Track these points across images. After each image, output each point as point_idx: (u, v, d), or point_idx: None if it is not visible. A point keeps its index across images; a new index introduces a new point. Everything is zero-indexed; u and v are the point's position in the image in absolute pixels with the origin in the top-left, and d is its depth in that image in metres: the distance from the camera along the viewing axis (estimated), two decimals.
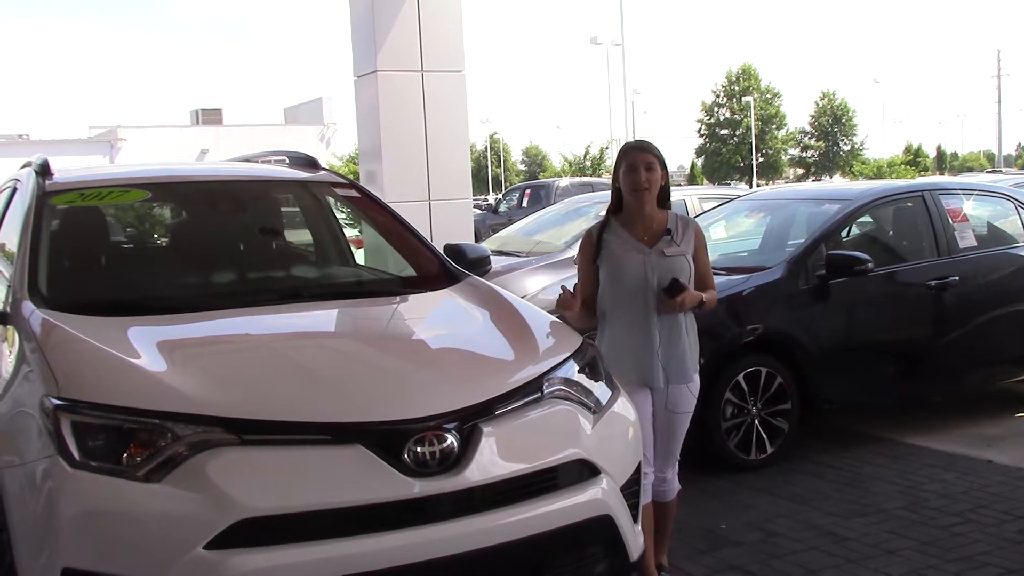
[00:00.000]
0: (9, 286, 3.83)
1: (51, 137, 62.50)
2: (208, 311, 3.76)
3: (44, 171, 4.38)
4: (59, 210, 4.32)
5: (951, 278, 6.39)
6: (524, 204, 24.85)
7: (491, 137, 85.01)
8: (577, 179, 29.95)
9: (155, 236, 5.60)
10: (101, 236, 4.72)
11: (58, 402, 2.91)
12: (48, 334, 3.34)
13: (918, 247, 6.63)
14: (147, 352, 3.21)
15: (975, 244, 6.66)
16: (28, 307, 3.55)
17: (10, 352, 3.49)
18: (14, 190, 4.73)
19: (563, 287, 3.95)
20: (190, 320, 3.67)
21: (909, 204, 6.76)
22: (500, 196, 32.87)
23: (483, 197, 46.80)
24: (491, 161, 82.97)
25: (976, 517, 4.86)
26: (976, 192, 7.18)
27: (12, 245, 4.15)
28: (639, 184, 3.86)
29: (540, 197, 24.42)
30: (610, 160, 63.12)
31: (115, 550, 2.73)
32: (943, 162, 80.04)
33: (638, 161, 3.87)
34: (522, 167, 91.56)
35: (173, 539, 2.71)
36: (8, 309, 3.67)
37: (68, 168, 4.81)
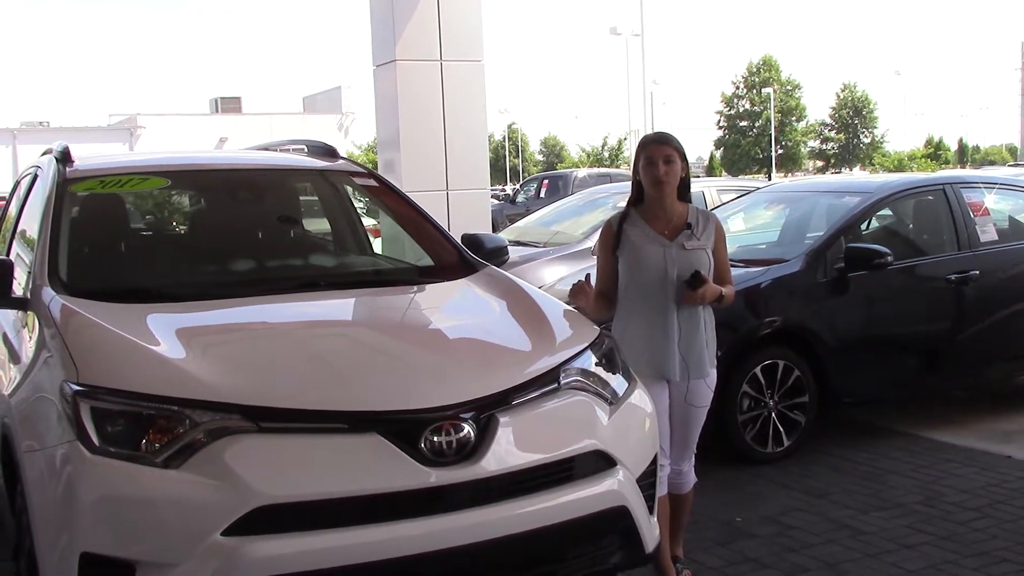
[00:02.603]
0: (29, 272, 3.86)
1: (71, 124, 62.82)
2: (227, 299, 3.77)
3: (64, 158, 4.40)
4: (79, 197, 4.34)
5: (972, 272, 6.34)
6: (542, 194, 24.83)
7: (509, 127, 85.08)
8: (595, 170, 29.96)
9: (174, 224, 5.62)
10: (120, 223, 4.74)
11: (77, 388, 2.92)
12: (68, 320, 3.36)
13: (939, 241, 6.58)
14: (166, 339, 3.22)
15: (996, 238, 6.61)
16: (48, 293, 3.56)
17: (30, 338, 3.51)
18: (35, 177, 4.76)
19: (586, 277, 3.93)
20: (209, 308, 3.68)
21: (930, 197, 6.71)
22: (518, 186, 32.85)
23: (501, 187, 46.78)
24: (509, 151, 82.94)
25: (995, 512, 4.83)
26: (998, 186, 7.12)
27: (33, 231, 4.18)
28: (658, 177, 3.84)
29: (558, 188, 24.41)
30: (628, 151, 62.98)
31: (133, 535, 2.75)
32: (965, 155, 79.41)
33: (657, 154, 3.85)
34: (540, 157, 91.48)
35: (191, 525, 2.72)
36: (28, 295, 3.70)
37: (88, 155, 4.84)
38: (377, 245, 5.76)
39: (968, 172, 18.24)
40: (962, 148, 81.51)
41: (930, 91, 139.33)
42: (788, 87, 74.43)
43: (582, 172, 27.04)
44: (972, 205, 6.62)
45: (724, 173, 65.71)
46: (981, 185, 6.96)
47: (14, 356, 3.65)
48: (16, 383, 3.40)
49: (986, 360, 6.57)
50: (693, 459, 4.10)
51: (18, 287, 3.81)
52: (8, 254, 4.61)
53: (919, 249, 6.67)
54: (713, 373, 3.98)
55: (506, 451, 3.02)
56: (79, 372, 2.97)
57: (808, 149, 78.20)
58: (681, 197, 3.94)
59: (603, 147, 70.44)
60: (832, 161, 77.41)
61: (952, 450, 5.90)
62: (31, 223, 4.32)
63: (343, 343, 3.58)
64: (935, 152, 73.37)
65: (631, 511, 3.25)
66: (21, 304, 3.70)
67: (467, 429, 2.98)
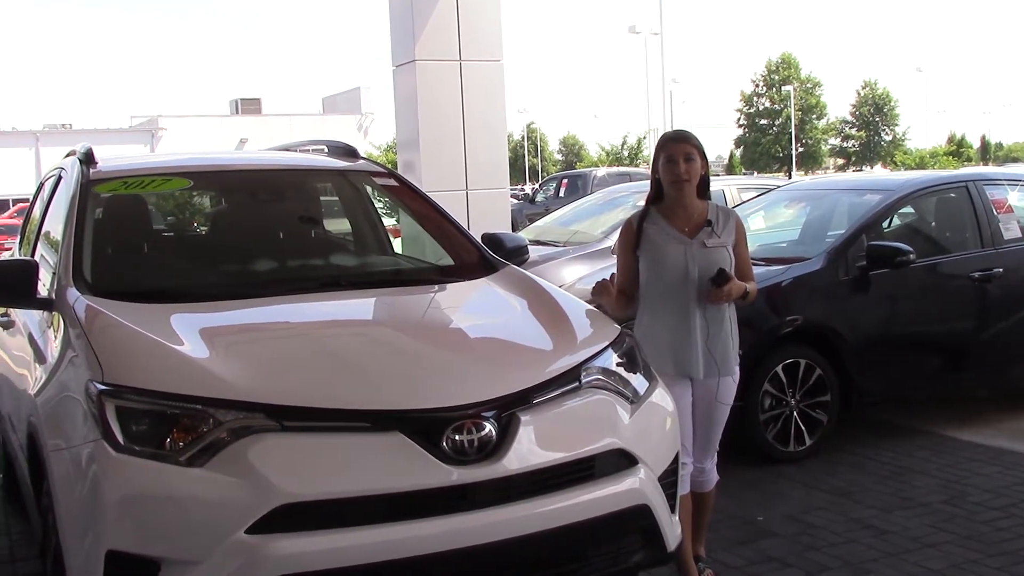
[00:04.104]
0: (54, 273, 3.89)
1: (93, 126, 63.36)
2: (249, 299, 3.79)
3: (88, 160, 4.43)
4: (103, 198, 4.38)
5: (995, 270, 6.30)
6: (561, 194, 24.84)
7: (528, 127, 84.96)
8: (615, 169, 29.91)
9: (196, 224, 5.66)
10: (144, 224, 4.78)
11: (102, 387, 2.94)
12: (92, 320, 3.38)
13: (961, 238, 6.54)
14: (190, 338, 3.24)
15: (1020, 235, 6.55)
16: (73, 293, 3.59)
17: (55, 338, 3.55)
18: (59, 178, 4.80)
19: (611, 276, 3.94)
20: (231, 307, 3.70)
21: (952, 195, 6.67)
22: (537, 186, 32.85)
23: (520, 187, 46.77)
24: (528, 151, 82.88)
25: (1020, 512, 4.79)
26: (1022, 183, 7.07)
27: (57, 233, 4.22)
28: (679, 176, 3.84)
29: (577, 187, 24.42)
30: (647, 150, 62.85)
31: (158, 533, 2.77)
32: (987, 152, 78.76)
33: (677, 152, 3.84)
34: (559, 157, 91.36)
35: (215, 523, 2.74)
36: (53, 295, 3.73)
37: (111, 157, 4.87)
38: (397, 245, 5.78)
39: (991, 169, 18.11)
40: (985, 145, 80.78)
41: (952, 88, 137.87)
42: (808, 85, 74.08)
43: (601, 171, 27.02)
44: (995, 202, 6.58)
45: (744, 171, 65.42)
46: (1004, 182, 6.91)
47: (39, 356, 3.68)
48: (42, 383, 3.44)
49: (1009, 359, 6.52)
50: (715, 458, 4.09)
51: (43, 288, 3.84)
52: (33, 255, 4.66)
53: (941, 247, 6.63)
54: (737, 370, 3.97)
55: (528, 450, 3.02)
56: (104, 372, 3.00)
57: (829, 147, 77.79)
58: (701, 195, 3.93)
59: (622, 146, 70.30)
60: (853, 159, 76.96)
61: (975, 449, 5.87)
62: (55, 224, 4.36)
63: (365, 342, 3.59)
64: (957, 149, 72.80)
65: (653, 510, 3.25)
66: (46, 305, 3.73)
67: (489, 428, 2.98)
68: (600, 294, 3.87)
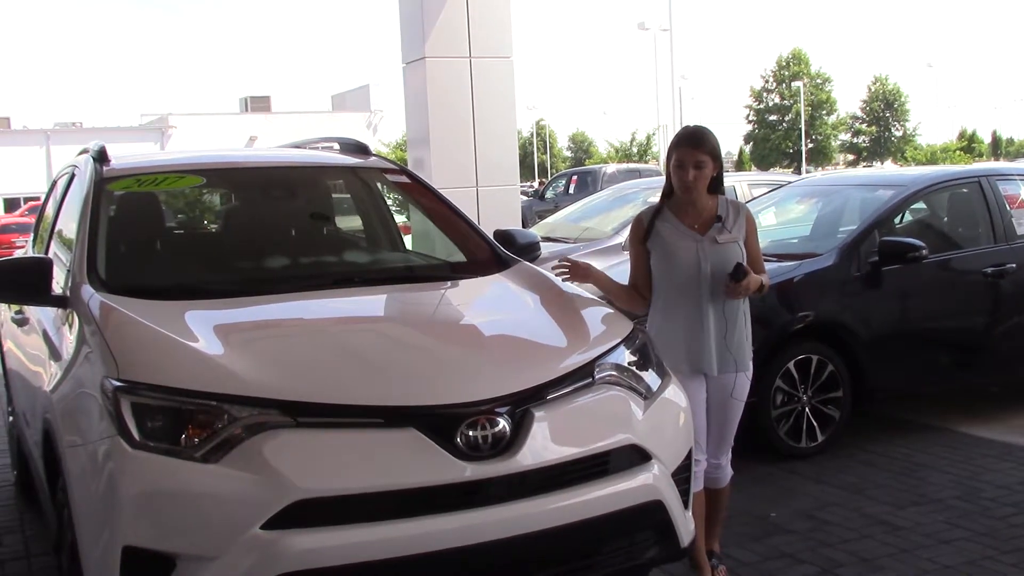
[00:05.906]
0: (68, 270, 3.90)
1: (104, 124, 63.59)
2: (262, 295, 3.80)
3: (101, 157, 4.45)
4: (116, 196, 4.39)
5: (1008, 265, 6.28)
6: (571, 191, 24.86)
7: (537, 123, 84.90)
8: (624, 165, 29.91)
9: (209, 221, 5.67)
10: (157, 221, 4.80)
11: (118, 384, 2.96)
12: (107, 317, 3.40)
13: (974, 234, 6.52)
14: (204, 335, 3.25)
15: None
16: (87, 291, 3.61)
17: (70, 335, 3.56)
18: (72, 176, 4.82)
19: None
20: (245, 304, 3.71)
21: (965, 190, 6.65)
22: (546, 182, 32.85)
23: (529, 183, 46.72)
24: (537, 147, 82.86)
25: None
26: None
27: (70, 230, 4.23)
28: (686, 182, 3.84)
29: (587, 183, 24.43)
30: (657, 147, 62.71)
31: (174, 529, 2.78)
32: (999, 148, 78.37)
33: (688, 159, 3.83)
34: (568, 153, 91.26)
35: (230, 519, 2.75)
36: (68, 293, 3.75)
37: (124, 155, 4.89)
38: (408, 241, 5.78)
39: (1004, 164, 18.05)
40: (996, 140, 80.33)
41: (963, 83, 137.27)
42: (818, 80, 73.74)
43: (611, 168, 27.01)
44: (1008, 198, 6.56)
45: (754, 168, 65.22)
46: (1017, 177, 6.88)
47: (55, 353, 3.70)
48: (57, 380, 3.45)
49: (1022, 354, 6.50)
50: (730, 453, 4.09)
51: (57, 286, 3.86)
52: (46, 253, 4.68)
53: (954, 242, 6.61)
54: (751, 367, 3.97)
55: (541, 445, 3.02)
56: (119, 368, 3.01)
57: (839, 143, 77.48)
58: (713, 190, 3.93)
59: (631, 143, 70.10)
60: (863, 155, 76.64)
61: (989, 445, 5.85)
62: (69, 222, 4.38)
63: (378, 339, 3.60)
64: (968, 145, 72.44)
65: (666, 505, 3.25)
66: (61, 302, 3.74)
67: (502, 424, 2.99)
68: (576, 272, 4.03)
